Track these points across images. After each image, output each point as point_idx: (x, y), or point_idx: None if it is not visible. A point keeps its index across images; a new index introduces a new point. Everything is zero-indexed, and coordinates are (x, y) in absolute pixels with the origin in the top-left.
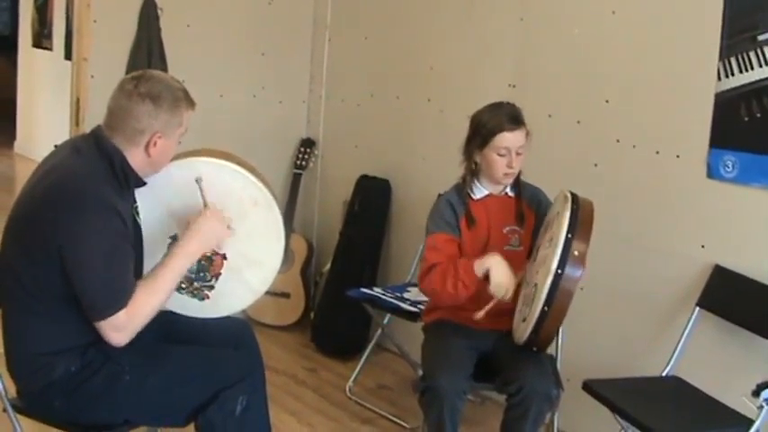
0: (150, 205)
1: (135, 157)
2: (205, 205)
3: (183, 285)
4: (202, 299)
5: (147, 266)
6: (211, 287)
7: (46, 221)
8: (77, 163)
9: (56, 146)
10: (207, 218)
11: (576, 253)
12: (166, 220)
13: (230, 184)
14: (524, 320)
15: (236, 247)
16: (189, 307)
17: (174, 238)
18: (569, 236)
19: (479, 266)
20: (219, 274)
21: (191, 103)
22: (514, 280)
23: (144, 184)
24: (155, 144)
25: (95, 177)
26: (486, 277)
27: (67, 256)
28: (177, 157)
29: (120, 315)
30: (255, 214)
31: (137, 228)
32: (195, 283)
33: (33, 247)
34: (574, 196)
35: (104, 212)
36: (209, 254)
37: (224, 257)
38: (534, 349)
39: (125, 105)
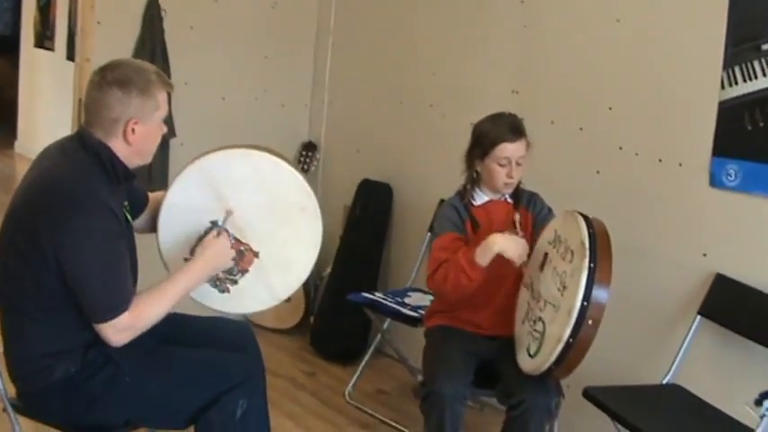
0: (198, 185)
1: (119, 149)
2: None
3: None
4: (223, 291)
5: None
6: (235, 282)
7: (41, 226)
8: (67, 164)
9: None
10: (219, 243)
11: (590, 322)
12: (212, 202)
13: (285, 184)
14: (531, 357)
15: (272, 249)
16: (207, 296)
17: (215, 224)
18: (585, 304)
19: (483, 254)
20: (247, 270)
21: (166, 85)
22: (523, 244)
23: (134, 176)
24: (133, 131)
25: (86, 177)
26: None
27: (65, 259)
28: (238, 146)
29: (123, 318)
30: (300, 220)
31: (129, 226)
32: (220, 274)
33: (29, 251)
34: (592, 251)
35: (98, 212)
36: (241, 248)
37: (256, 255)
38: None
39: (95, 97)
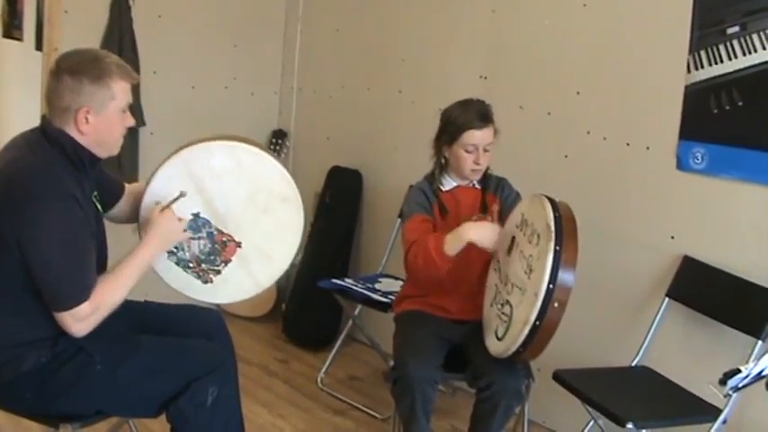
0: (180, 177)
1: (77, 138)
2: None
3: (191, 265)
4: (206, 281)
5: None
6: (218, 272)
7: (3, 215)
8: (30, 155)
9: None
10: (163, 218)
11: (556, 305)
12: (194, 194)
13: (267, 175)
14: (499, 340)
15: (254, 239)
16: (191, 287)
17: (197, 216)
18: (551, 286)
19: (453, 245)
20: (230, 260)
21: (126, 75)
22: (495, 230)
23: (98, 161)
24: (86, 120)
25: (49, 166)
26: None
27: (27, 246)
28: (219, 138)
29: (84, 306)
30: (282, 210)
31: (98, 215)
32: (203, 265)
33: None
34: (557, 234)
35: (62, 200)
36: (223, 238)
37: (238, 245)
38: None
39: (51, 85)
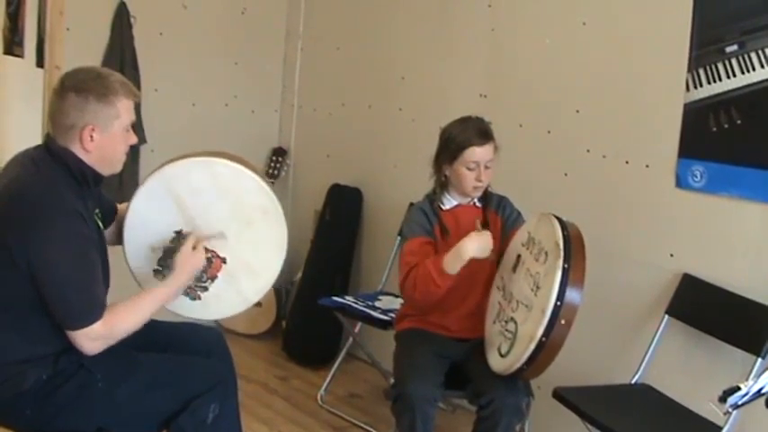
0: (160, 195)
1: (81, 156)
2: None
3: None
4: (194, 299)
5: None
6: (205, 288)
7: (10, 234)
8: (34, 173)
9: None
10: (196, 258)
11: (562, 322)
12: (175, 211)
13: (245, 188)
14: (502, 356)
15: (238, 254)
16: (179, 305)
17: (179, 233)
18: (558, 303)
19: (453, 263)
20: (216, 276)
21: (129, 93)
22: (488, 237)
23: (102, 179)
24: (91, 138)
25: (54, 184)
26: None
27: (37, 265)
28: (196, 155)
29: (97, 326)
30: (263, 223)
31: (100, 233)
32: (190, 282)
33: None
34: (566, 252)
35: (67, 217)
36: (208, 255)
37: (223, 261)
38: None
39: (55, 103)
